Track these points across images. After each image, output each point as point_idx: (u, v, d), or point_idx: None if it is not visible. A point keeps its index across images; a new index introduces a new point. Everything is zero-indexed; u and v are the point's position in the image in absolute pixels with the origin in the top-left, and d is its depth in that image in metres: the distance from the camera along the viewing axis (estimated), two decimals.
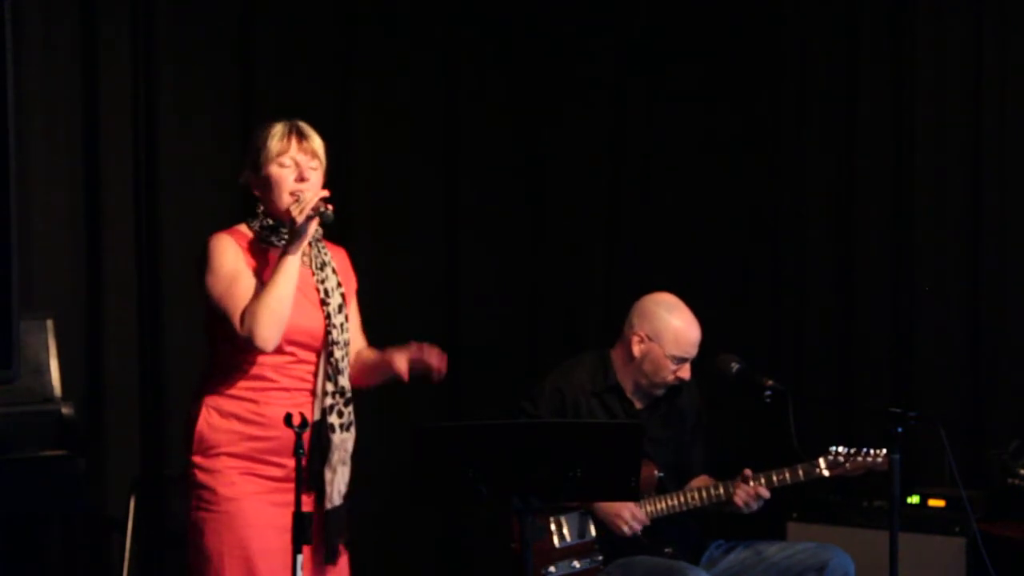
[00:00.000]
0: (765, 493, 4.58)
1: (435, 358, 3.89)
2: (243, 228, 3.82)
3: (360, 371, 3.97)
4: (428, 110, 6.16)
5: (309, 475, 3.74)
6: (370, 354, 4.00)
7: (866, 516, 5.31)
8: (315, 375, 3.80)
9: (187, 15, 5.55)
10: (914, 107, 5.88)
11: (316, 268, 3.85)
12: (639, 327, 4.73)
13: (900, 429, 4.13)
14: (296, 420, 3.58)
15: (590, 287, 6.37)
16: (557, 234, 6.34)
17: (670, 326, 4.70)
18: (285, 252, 3.71)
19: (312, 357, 3.80)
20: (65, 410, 4.83)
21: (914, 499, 5.33)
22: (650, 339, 4.71)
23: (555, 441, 3.79)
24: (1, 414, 4.71)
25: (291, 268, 3.70)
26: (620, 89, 6.36)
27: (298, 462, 3.58)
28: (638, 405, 4.78)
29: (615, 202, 6.39)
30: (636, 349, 4.72)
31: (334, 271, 3.89)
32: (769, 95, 6.23)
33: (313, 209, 3.70)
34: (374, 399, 5.92)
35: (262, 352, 3.70)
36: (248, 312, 3.66)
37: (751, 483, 4.57)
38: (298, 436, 3.59)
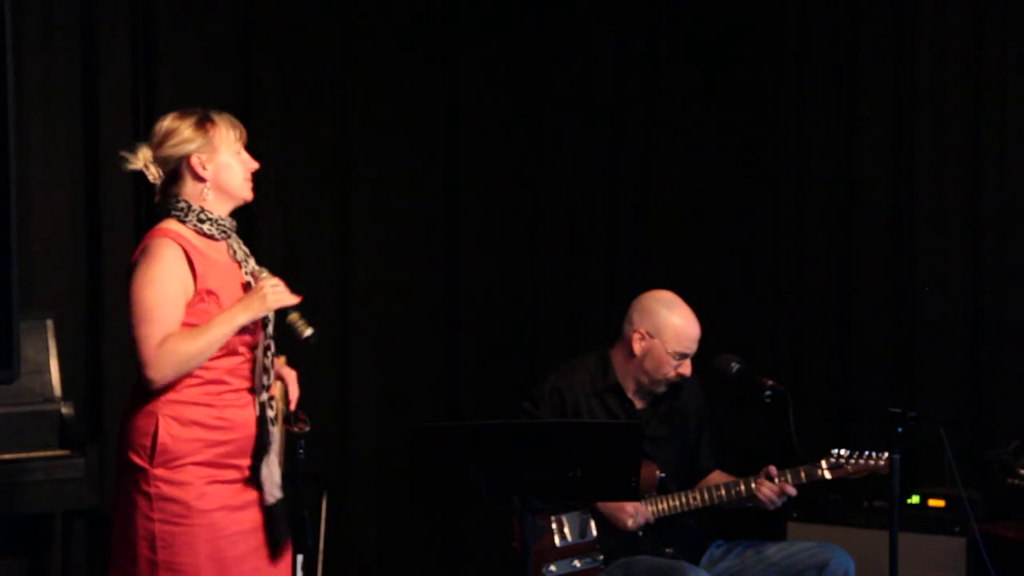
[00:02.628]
0: (791, 491, 4.59)
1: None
2: (175, 226, 3.73)
3: None
4: (428, 110, 6.15)
5: (253, 472, 3.71)
6: None
7: (866, 516, 5.31)
8: (252, 372, 3.76)
9: (187, 15, 5.55)
10: (914, 107, 5.88)
11: (242, 261, 3.79)
12: (639, 324, 4.74)
13: (900, 429, 4.14)
14: (298, 420, 3.58)
15: (590, 287, 6.37)
16: (557, 234, 6.33)
17: (670, 322, 4.70)
18: (232, 315, 3.65)
19: (251, 355, 3.76)
20: (65, 410, 4.84)
21: (914, 499, 5.33)
22: (651, 336, 4.71)
23: (555, 441, 3.80)
24: (1, 414, 4.71)
25: (230, 329, 3.64)
26: (620, 89, 6.35)
27: (298, 461, 3.58)
28: (638, 405, 4.78)
29: (615, 202, 6.39)
30: (637, 347, 4.72)
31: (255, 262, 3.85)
32: (769, 94, 6.22)
33: (288, 315, 3.68)
34: (374, 399, 5.96)
35: (149, 381, 3.63)
36: (167, 348, 3.61)
37: (776, 480, 4.57)
38: (299, 436, 3.58)
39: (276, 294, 3.68)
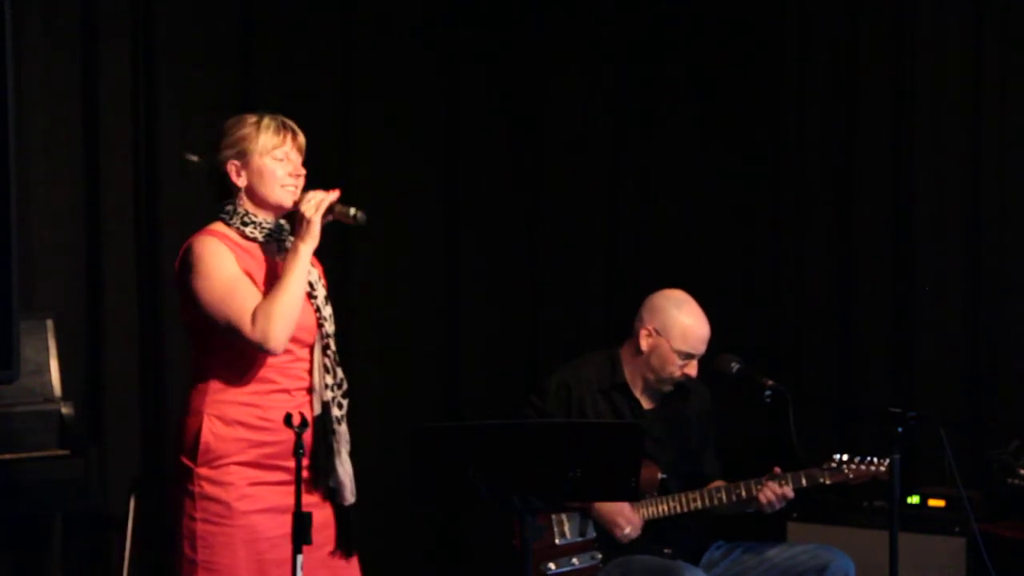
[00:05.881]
0: (790, 494, 4.59)
1: None
2: (221, 228, 3.75)
3: None
4: (428, 110, 6.15)
5: (314, 473, 3.72)
6: None
7: (866, 516, 5.31)
8: (310, 372, 3.77)
9: (187, 15, 5.55)
10: (914, 107, 5.89)
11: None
12: (648, 321, 4.74)
13: (900, 429, 4.14)
14: (296, 420, 3.57)
15: (590, 287, 6.37)
16: (557, 234, 6.33)
17: (678, 321, 4.71)
18: (295, 250, 3.67)
19: (306, 354, 3.77)
20: (65, 410, 4.83)
21: (914, 499, 5.33)
22: (658, 333, 4.72)
23: (555, 441, 3.79)
24: (1, 414, 4.71)
25: (303, 267, 3.67)
26: (620, 89, 6.36)
27: (298, 462, 3.58)
28: (645, 405, 4.79)
29: (615, 202, 6.39)
30: (644, 343, 4.72)
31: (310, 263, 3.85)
32: (769, 95, 6.23)
33: (333, 210, 3.70)
34: (374, 398, 5.96)
35: (270, 355, 3.65)
36: (262, 313, 3.60)
37: (778, 484, 4.58)
38: (298, 436, 3.58)
39: (312, 205, 3.67)
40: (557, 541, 4.62)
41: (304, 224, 3.68)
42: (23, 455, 4.71)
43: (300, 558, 3.60)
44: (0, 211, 3.44)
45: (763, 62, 6.25)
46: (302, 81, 5.84)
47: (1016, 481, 5.16)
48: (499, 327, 6.23)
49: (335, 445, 3.76)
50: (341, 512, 3.79)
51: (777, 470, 4.60)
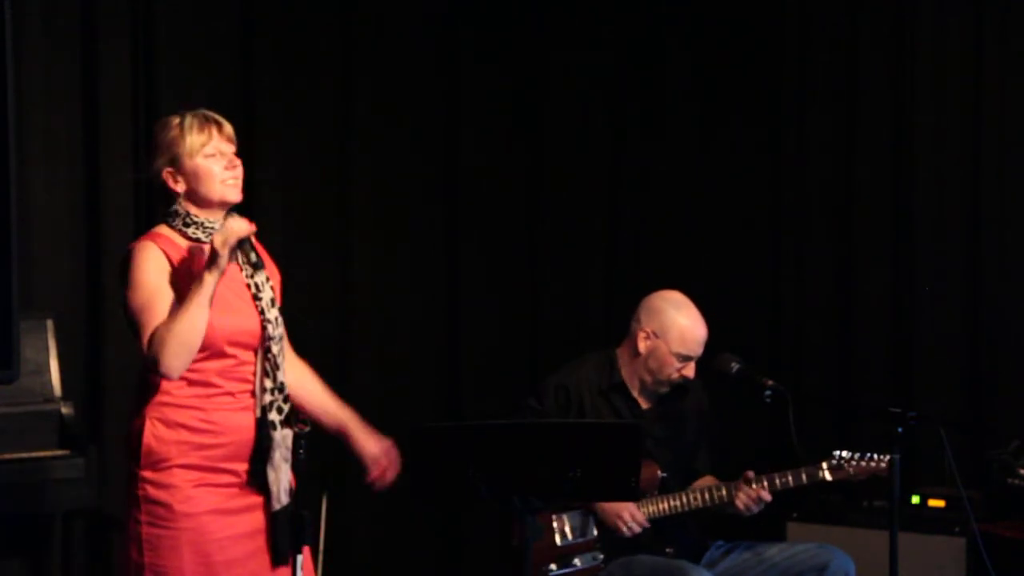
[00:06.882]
0: (766, 496, 4.58)
1: (388, 469, 3.91)
2: (164, 231, 3.71)
3: (316, 410, 3.91)
4: (428, 110, 6.15)
5: (252, 477, 3.68)
6: (329, 402, 3.96)
7: (866, 516, 5.31)
8: (255, 375, 3.73)
9: (187, 15, 5.55)
10: (914, 107, 5.89)
11: (243, 263, 3.73)
12: (645, 323, 4.74)
13: (900, 429, 4.14)
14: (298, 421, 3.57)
15: (590, 287, 6.37)
16: (557, 234, 6.33)
17: (676, 323, 4.70)
18: (200, 279, 3.57)
19: (251, 357, 3.72)
20: (65, 410, 4.84)
21: (914, 499, 5.33)
22: (656, 335, 4.71)
23: (555, 441, 3.80)
24: (1, 414, 4.71)
25: (206, 295, 3.57)
26: (620, 89, 6.36)
27: (298, 463, 3.57)
28: (644, 405, 4.79)
29: (615, 202, 6.39)
30: (641, 345, 4.72)
31: (263, 266, 3.79)
32: (769, 95, 6.23)
33: (242, 246, 3.62)
34: (374, 398, 5.96)
35: (166, 379, 3.61)
36: (157, 337, 3.57)
37: (753, 486, 4.57)
38: (297, 437, 3.58)
39: (220, 238, 3.56)
40: (558, 542, 4.62)
41: (211, 255, 3.58)
42: (23, 455, 4.71)
43: (300, 558, 3.60)
44: (0, 211, 3.43)
45: (763, 62, 6.25)
46: (302, 81, 5.84)
47: (1016, 481, 5.17)
48: (499, 327, 6.22)
49: (269, 450, 3.68)
50: (272, 518, 3.71)
51: (750, 474, 4.58)
